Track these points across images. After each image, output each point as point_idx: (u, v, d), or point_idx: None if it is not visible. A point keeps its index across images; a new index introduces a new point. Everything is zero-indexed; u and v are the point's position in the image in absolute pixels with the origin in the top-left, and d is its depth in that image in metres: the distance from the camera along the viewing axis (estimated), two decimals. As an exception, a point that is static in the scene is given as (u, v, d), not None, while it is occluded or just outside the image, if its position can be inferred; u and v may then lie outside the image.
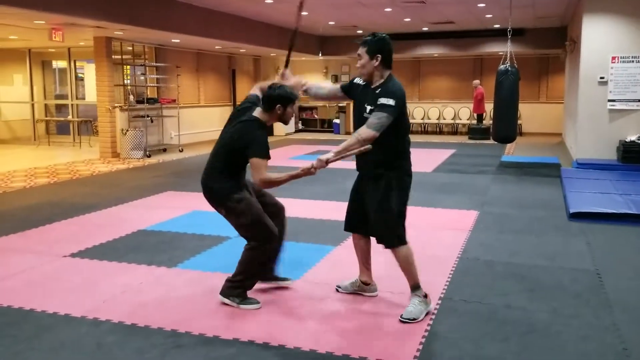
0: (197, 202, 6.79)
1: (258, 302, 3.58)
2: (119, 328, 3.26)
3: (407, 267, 3.44)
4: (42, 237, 5.29)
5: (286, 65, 3.80)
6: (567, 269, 4.38)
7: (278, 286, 3.87)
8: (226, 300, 3.59)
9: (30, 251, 4.80)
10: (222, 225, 5.61)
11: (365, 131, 3.24)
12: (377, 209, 3.40)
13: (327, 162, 3.25)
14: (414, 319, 3.33)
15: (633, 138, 9.11)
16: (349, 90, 3.59)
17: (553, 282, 4.08)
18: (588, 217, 5.92)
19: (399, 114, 3.30)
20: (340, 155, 3.25)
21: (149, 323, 3.31)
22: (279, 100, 3.48)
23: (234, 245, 4.97)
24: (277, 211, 3.74)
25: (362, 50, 3.38)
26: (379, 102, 3.27)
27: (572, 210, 6.07)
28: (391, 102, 3.25)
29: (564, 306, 3.62)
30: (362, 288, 3.77)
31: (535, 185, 8.00)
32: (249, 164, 3.44)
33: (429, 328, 3.27)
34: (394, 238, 3.41)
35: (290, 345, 3.03)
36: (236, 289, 3.58)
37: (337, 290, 3.82)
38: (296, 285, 3.96)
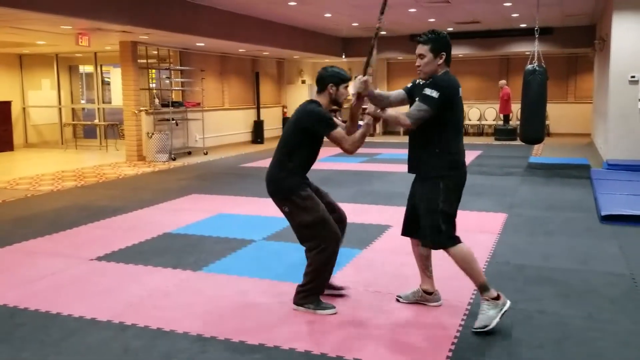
0: (222, 205, 6.80)
1: (334, 307, 3.49)
2: (145, 332, 3.24)
3: (466, 266, 3.28)
4: (69, 240, 5.33)
5: (364, 73, 3.43)
6: (601, 273, 4.24)
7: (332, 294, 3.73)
8: (301, 309, 3.50)
9: (57, 254, 4.83)
10: (247, 228, 5.63)
11: (403, 117, 3.18)
12: (425, 211, 3.29)
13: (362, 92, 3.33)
14: (484, 327, 3.14)
15: (666, 138, 8.86)
16: (412, 91, 3.41)
17: (587, 286, 3.96)
18: (620, 220, 5.75)
19: (444, 108, 3.17)
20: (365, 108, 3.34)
21: (174, 327, 3.29)
22: (330, 80, 3.47)
23: (259, 249, 4.95)
24: (338, 217, 3.59)
25: (424, 49, 3.24)
26: (422, 93, 3.17)
27: (603, 213, 5.90)
28: (434, 93, 3.13)
29: (600, 311, 3.50)
30: (425, 297, 3.59)
31: (565, 187, 7.82)
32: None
33: (458, 334, 3.18)
34: (441, 238, 3.28)
35: (316, 352, 2.98)
36: (309, 297, 3.50)
37: (398, 300, 3.62)
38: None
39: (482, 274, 3.30)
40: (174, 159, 11.39)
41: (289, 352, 2.98)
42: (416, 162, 3.35)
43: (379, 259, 4.60)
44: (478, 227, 5.70)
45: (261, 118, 15.43)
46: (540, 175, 8.92)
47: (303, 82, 17.54)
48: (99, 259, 4.68)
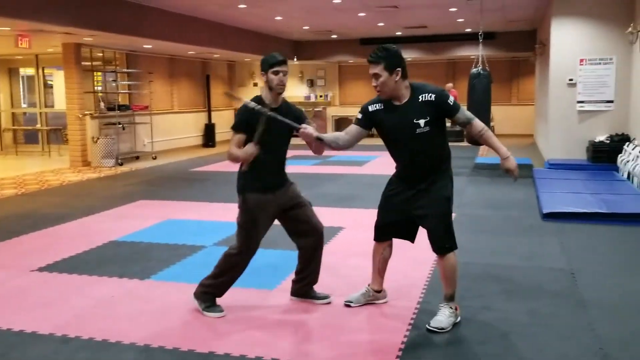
0: (171, 211, 6.69)
1: (222, 311, 3.51)
2: (89, 344, 3.15)
3: (453, 275, 3.35)
4: (9, 250, 5.13)
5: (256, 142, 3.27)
6: (543, 269, 4.40)
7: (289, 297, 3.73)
8: (196, 303, 3.54)
9: (-3, 265, 4.65)
10: (197, 234, 5.56)
11: (479, 123, 3.24)
12: (439, 215, 3.27)
13: None
14: (442, 329, 3.22)
15: (602, 138, 9.27)
16: (369, 122, 3.32)
17: (529, 282, 4.10)
18: (561, 217, 5.99)
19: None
20: None
21: (120, 338, 3.21)
22: (261, 68, 3.44)
23: (209, 255, 4.89)
24: (310, 230, 3.58)
25: (378, 69, 3.16)
26: (447, 107, 3.20)
27: (545, 211, 6.13)
28: (452, 98, 3.23)
29: (541, 306, 3.63)
30: (376, 297, 3.65)
31: (509, 186, 8.06)
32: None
33: (407, 333, 3.24)
34: (454, 241, 3.32)
35: (267, 357, 2.97)
36: (206, 294, 3.53)
37: (349, 306, 3.61)
38: (273, 295, 3.90)
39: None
40: (121, 164, 11.13)
41: (239, 358, 2.96)
42: (419, 169, 3.28)
43: (329, 262, 4.61)
44: (426, 228, 5.81)
45: (212, 121, 15.27)
46: (485, 175, 9.18)
47: (255, 84, 17.46)
48: (41, 269, 4.52)
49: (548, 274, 4.28)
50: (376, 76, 3.18)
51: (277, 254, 4.72)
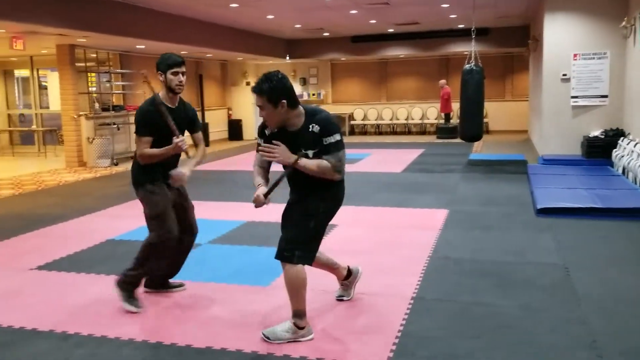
0: (166, 210, 6.71)
1: (140, 307, 3.57)
2: (88, 340, 3.19)
3: (291, 289, 3.14)
4: (7, 250, 5.15)
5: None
6: (536, 264, 4.45)
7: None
8: (116, 291, 3.60)
9: (-6, 266, 4.67)
10: (192, 232, 5.58)
11: (331, 173, 3.03)
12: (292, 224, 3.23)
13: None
14: (268, 339, 3.09)
15: (596, 133, 9.33)
16: (267, 137, 3.13)
17: (522, 277, 4.15)
18: (555, 213, 6.03)
19: None
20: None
21: (119, 334, 3.25)
22: (158, 68, 3.52)
23: (205, 252, 4.93)
24: (184, 230, 3.74)
25: (261, 101, 2.95)
26: (326, 143, 3.00)
27: (539, 206, 6.18)
28: (337, 136, 3.04)
29: (533, 301, 3.68)
30: (351, 280, 3.71)
31: (503, 182, 8.12)
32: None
33: (402, 328, 3.28)
34: (291, 254, 3.12)
35: (263, 352, 3.01)
36: (126, 284, 3.61)
37: (342, 300, 3.69)
38: (267, 291, 3.94)
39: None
40: (116, 164, 11.14)
41: (236, 353, 3.00)
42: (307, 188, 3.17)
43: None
44: (420, 224, 5.87)
45: (206, 120, 15.26)
46: (479, 171, 9.23)
47: (247, 83, 17.46)
48: (40, 268, 4.55)
49: (541, 269, 4.33)
50: (261, 108, 3.00)
51: (271, 252, 4.75)
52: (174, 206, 3.70)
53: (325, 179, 3.10)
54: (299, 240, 3.11)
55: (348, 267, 3.69)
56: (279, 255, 3.13)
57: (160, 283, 3.91)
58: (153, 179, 3.59)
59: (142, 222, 5.98)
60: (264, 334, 3.15)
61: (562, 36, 9.62)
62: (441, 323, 3.35)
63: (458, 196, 7.23)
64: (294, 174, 3.10)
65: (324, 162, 3.03)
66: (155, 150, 3.50)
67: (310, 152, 3.04)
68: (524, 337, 3.16)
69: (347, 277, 3.70)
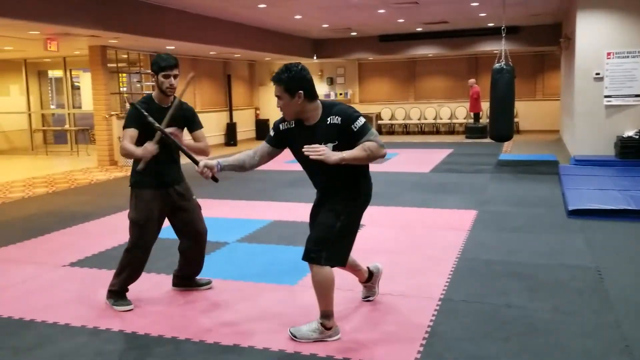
0: (195, 209, 6.79)
1: (130, 304, 3.63)
2: (118, 337, 3.25)
3: (319, 290, 3.13)
4: (40, 247, 5.28)
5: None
6: (567, 267, 4.37)
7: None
8: (107, 302, 3.68)
9: (29, 261, 4.79)
10: (221, 230, 5.63)
11: (377, 148, 2.94)
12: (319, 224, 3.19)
13: None
14: (295, 337, 3.11)
15: (630, 133, 9.12)
16: (281, 142, 3.18)
17: (553, 280, 4.08)
18: (587, 214, 5.91)
19: None
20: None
21: (149, 331, 3.30)
22: (151, 68, 3.54)
23: (233, 251, 4.97)
24: (191, 231, 3.77)
25: (279, 90, 2.97)
26: (356, 129, 2.94)
27: (570, 208, 6.06)
28: (362, 119, 2.99)
29: (565, 304, 3.61)
30: (374, 281, 3.71)
31: (534, 183, 8.00)
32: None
33: (429, 329, 3.26)
34: (319, 255, 3.10)
35: (289, 350, 3.02)
36: (111, 292, 3.67)
37: (369, 300, 3.68)
38: (295, 290, 3.95)
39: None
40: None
41: (262, 351, 3.02)
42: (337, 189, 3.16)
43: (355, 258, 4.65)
44: (449, 225, 5.82)
45: (234, 120, 15.41)
46: (509, 172, 9.10)
47: (275, 83, 17.58)
48: (72, 265, 4.65)
49: (573, 272, 4.25)
50: (278, 98, 3.01)
51: (297, 251, 4.77)
52: (174, 211, 3.69)
53: (353, 176, 3.09)
54: (325, 241, 3.09)
55: (368, 268, 3.66)
56: (306, 257, 3.11)
57: (187, 281, 3.96)
58: (142, 185, 3.58)
59: (171, 221, 6.11)
60: (291, 332, 3.16)
61: (594, 34, 9.43)
62: (469, 325, 3.31)
63: (487, 197, 7.15)
64: (317, 173, 3.10)
65: (367, 144, 2.93)
66: (131, 147, 3.43)
67: (330, 145, 2.96)
68: (554, 341, 3.10)
69: (369, 279, 3.68)
